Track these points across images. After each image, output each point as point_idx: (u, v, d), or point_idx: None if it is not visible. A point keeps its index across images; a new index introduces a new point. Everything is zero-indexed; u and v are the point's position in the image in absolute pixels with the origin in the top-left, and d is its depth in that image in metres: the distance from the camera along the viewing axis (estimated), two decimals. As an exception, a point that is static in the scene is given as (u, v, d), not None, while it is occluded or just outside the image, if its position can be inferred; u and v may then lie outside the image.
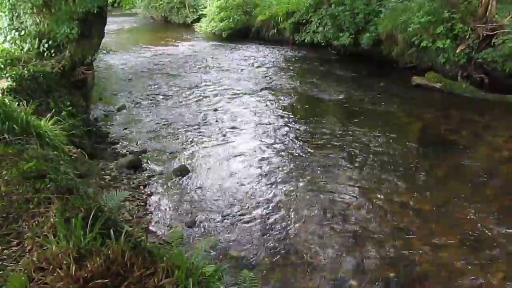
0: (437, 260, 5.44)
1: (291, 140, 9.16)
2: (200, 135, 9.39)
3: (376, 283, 5.10)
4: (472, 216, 6.29)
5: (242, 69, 15.58)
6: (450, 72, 13.04)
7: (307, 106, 11.56)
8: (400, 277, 5.18)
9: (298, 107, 11.47)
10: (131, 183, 7.19)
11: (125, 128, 9.83)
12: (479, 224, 6.11)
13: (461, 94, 11.68)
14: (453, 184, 7.19)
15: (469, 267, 5.31)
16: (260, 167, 7.93)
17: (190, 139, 9.18)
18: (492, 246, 5.68)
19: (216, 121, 10.24)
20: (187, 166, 7.90)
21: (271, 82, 13.67)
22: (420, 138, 9.34)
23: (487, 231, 5.96)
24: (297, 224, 6.23)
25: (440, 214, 6.41)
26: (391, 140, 8.96)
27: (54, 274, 2.40)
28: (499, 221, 6.17)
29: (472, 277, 5.15)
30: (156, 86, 13.31)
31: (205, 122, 10.16)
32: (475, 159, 8.06)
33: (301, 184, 7.32)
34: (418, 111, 10.84)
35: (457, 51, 12.67)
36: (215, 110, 11.00)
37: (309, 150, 8.64)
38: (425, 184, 7.22)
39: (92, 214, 2.91)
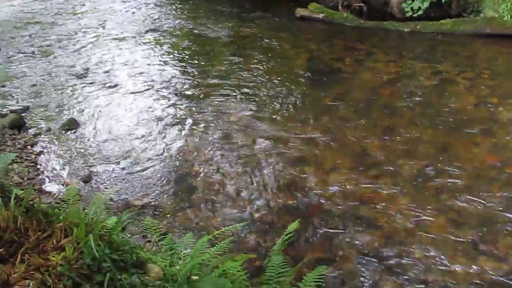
0: (330, 183, 5.81)
1: (182, 82, 9.04)
2: (86, 86, 8.94)
3: (277, 212, 5.36)
4: (359, 139, 6.72)
5: (123, 12, 14.80)
6: (331, 2, 13.36)
7: (194, 45, 11.35)
8: (298, 203, 5.49)
9: (186, 47, 11.24)
10: (17, 143, 6.77)
11: (2, 86, 9.11)
12: (365, 146, 6.55)
13: (342, 23, 12.04)
14: (340, 110, 7.58)
15: (360, 186, 5.74)
16: (153, 112, 7.79)
17: (76, 91, 8.72)
18: (379, 164, 6.16)
19: (102, 69, 9.79)
20: (76, 119, 7.56)
21: (155, 24, 13.17)
22: (307, 68, 9.61)
23: (373, 151, 6.42)
24: (196, 165, 6.30)
25: (331, 139, 6.77)
26: (280, 73, 9.15)
27: None
28: (383, 140, 6.65)
29: (364, 194, 5.59)
30: (31, 37, 12.30)
31: (90, 72, 9.66)
32: (359, 85, 8.51)
33: (197, 125, 7.32)
34: (303, 43, 11.09)
35: (336, -20, 12.95)
36: (100, 57, 10.49)
37: (201, 90, 8.60)
38: (315, 112, 7.53)
39: (-26, 182, 2.73)
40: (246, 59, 9.98)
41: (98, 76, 9.41)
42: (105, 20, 13.58)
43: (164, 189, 5.82)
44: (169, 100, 8.25)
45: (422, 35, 10.81)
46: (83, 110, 7.94)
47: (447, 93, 7.92)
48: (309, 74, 9.25)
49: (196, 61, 10.12)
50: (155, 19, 13.54)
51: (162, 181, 6.00)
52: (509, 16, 10.03)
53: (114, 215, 4.01)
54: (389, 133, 6.83)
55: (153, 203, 5.56)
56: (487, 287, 4.29)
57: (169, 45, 11.26)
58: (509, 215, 5.12)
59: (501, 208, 5.23)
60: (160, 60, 10.25)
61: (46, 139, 7.06)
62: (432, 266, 4.54)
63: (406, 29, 11.08)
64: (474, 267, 4.51)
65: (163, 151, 6.64)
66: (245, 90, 8.47)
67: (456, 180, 5.72)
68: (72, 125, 7.39)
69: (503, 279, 4.36)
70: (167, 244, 3.76)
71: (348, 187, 5.73)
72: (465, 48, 10.00)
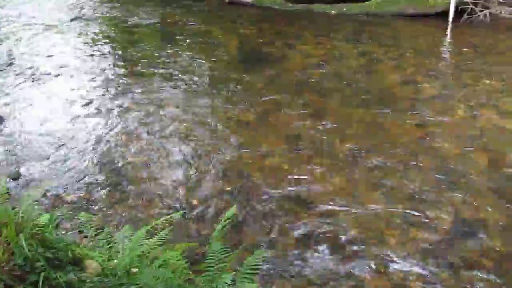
0: (266, 166, 5.88)
1: (111, 70, 8.82)
2: (9, 77, 8.51)
3: (214, 198, 5.37)
4: (293, 121, 6.83)
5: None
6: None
7: (123, 33, 11.07)
8: (235, 189, 5.51)
9: (114, 35, 10.94)
10: None
11: None
12: (299, 128, 6.67)
13: (271, 7, 12.12)
14: (272, 93, 7.65)
15: (295, 167, 5.83)
16: (82, 102, 7.55)
17: (-2, 84, 8.31)
18: (312, 145, 6.28)
19: (25, 59, 9.33)
20: (0, 114, 7.20)
21: (81, 11, 12.69)
22: (238, 53, 9.63)
23: (306, 132, 6.55)
24: (130, 156, 6.18)
25: (265, 123, 6.85)
26: (211, 58, 9.11)
27: None
28: (316, 121, 6.78)
29: (299, 175, 5.69)
30: None
31: (13, 63, 9.20)
32: (290, 68, 8.63)
33: (129, 113, 7.18)
34: (234, 28, 11.08)
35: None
36: (22, 47, 10.00)
37: (131, 78, 8.42)
38: (247, 97, 7.58)
39: None
40: (176, 45, 9.86)
41: (21, 67, 8.98)
42: (27, 8, 12.94)
43: (98, 182, 5.68)
44: (98, 89, 8.03)
45: (348, 16, 11.09)
46: (7, 103, 7.57)
47: (374, 73, 8.21)
48: (241, 59, 9.28)
49: (124, 49, 9.89)
50: (80, 7, 13.05)
51: (96, 173, 5.84)
52: (429, -4, 10.47)
53: (46, 212, 3.88)
54: (321, 115, 6.98)
55: (87, 197, 5.41)
56: (419, 256, 4.50)
57: (96, 33, 10.91)
58: (436, 186, 5.40)
59: (429, 181, 5.50)
60: (87, 49, 9.93)
61: (-32, 137, 6.70)
62: (368, 240, 4.71)
63: (333, 11, 11.33)
64: (407, 238, 4.72)
65: (95, 142, 6.46)
66: (177, 76, 8.37)
67: (387, 157, 5.95)
68: (-4, 120, 7.05)
69: (434, 247, 4.60)
70: (105, 238, 3.69)
71: (283, 169, 5.82)
72: (390, 28, 10.36)
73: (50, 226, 2.95)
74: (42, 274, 2.31)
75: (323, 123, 6.76)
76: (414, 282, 4.22)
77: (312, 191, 5.42)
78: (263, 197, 5.35)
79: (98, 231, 3.88)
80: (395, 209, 5.09)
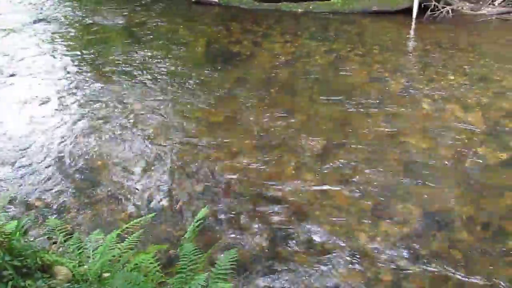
0: (237, 165, 5.87)
1: (78, 72, 8.65)
2: (-30, 83, 8.30)
3: (187, 199, 5.34)
4: (262, 120, 6.83)
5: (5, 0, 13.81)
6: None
7: (89, 35, 10.86)
8: (207, 189, 5.50)
9: (80, 37, 10.73)
10: None
11: None
12: (268, 126, 6.68)
13: (238, 7, 12.11)
14: (241, 92, 7.65)
15: (266, 166, 5.85)
16: (51, 107, 7.39)
17: (-41, 89, 8.07)
18: (282, 142, 6.32)
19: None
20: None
21: (43, 13, 12.40)
22: (206, 53, 9.59)
23: (276, 130, 6.57)
24: (99, 158, 6.10)
25: (233, 122, 6.84)
26: (179, 59, 9.06)
27: None
28: (285, 119, 6.81)
29: (270, 173, 5.71)
30: None
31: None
32: (258, 66, 8.64)
33: (96, 116, 7.07)
34: (201, 27, 11.03)
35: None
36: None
37: (99, 80, 8.28)
38: (216, 97, 7.55)
39: None
40: (143, 46, 9.75)
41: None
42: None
43: (66, 187, 5.57)
44: (64, 92, 7.87)
45: (315, 14, 11.18)
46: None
47: (341, 70, 8.28)
48: (209, 59, 9.25)
49: (91, 50, 9.71)
50: (43, 8, 12.76)
51: (64, 178, 5.73)
52: (393, -7, 10.65)
53: (13, 219, 3.79)
54: (290, 112, 7.01)
55: (55, 202, 5.31)
56: (389, 249, 4.57)
57: (62, 35, 10.69)
58: (404, 180, 5.50)
59: (397, 175, 5.59)
60: (54, 52, 9.72)
61: None
62: (339, 235, 4.76)
63: (300, 10, 11.40)
64: (377, 232, 4.79)
65: (63, 146, 6.34)
66: (145, 77, 8.28)
67: (356, 152, 6.02)
68: (-42, 127, 6.84)
69: (404, 240, 4.68)
70: (75, 244, 3.62)
71: (254, 167, 5.82)
72: (355, 26, 10.49)
73: (17, 233, 2.88)
74: (10, 283, 2.26)
75: (292, 120, 6.79)
76: (385, 275, 4.29)
77: (283, 188, 5.44)
78: (234, 196, 5.36)
79: (67, 237, 3.82)
80: (365, 204, 5.16)
